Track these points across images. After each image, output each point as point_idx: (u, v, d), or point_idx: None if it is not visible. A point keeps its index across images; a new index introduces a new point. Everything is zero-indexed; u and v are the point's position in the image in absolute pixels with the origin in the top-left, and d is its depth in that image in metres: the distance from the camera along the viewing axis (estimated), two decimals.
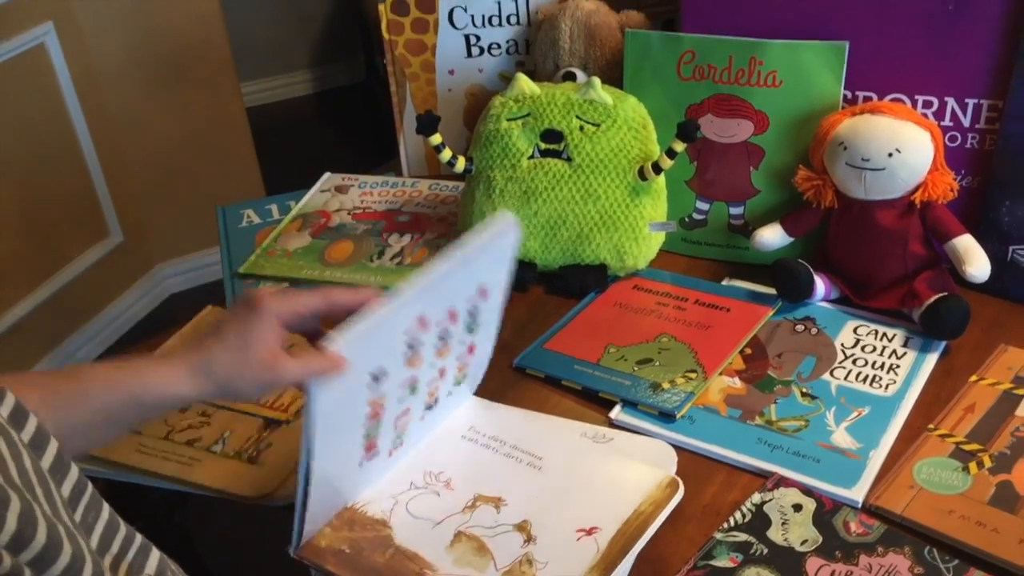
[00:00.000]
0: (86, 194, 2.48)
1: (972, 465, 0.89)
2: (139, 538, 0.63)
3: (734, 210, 1.21)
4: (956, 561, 0.80)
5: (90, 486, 0.61)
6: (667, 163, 1.14)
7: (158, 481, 0.98)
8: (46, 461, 0.58)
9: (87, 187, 2.48)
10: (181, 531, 1.23)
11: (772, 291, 1.13)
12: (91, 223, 2.52)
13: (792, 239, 1.15)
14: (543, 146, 1.17)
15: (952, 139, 1.11)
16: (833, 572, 0.80)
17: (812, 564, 0.81)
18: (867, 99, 1.13)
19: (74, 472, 0.60)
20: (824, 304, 1.12)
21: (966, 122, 1.10)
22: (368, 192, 1.41)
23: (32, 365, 2.39)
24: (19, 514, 0.51)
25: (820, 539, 0.83)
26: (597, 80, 1.16)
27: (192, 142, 2.65)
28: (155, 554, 0.64)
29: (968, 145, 1.11)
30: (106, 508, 0.61)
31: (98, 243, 2.55)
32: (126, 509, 1.15)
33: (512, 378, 1.07)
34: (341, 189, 1.43)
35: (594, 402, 1.02)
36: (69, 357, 2.46)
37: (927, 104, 1.11)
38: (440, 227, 1.32)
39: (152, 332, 1.17)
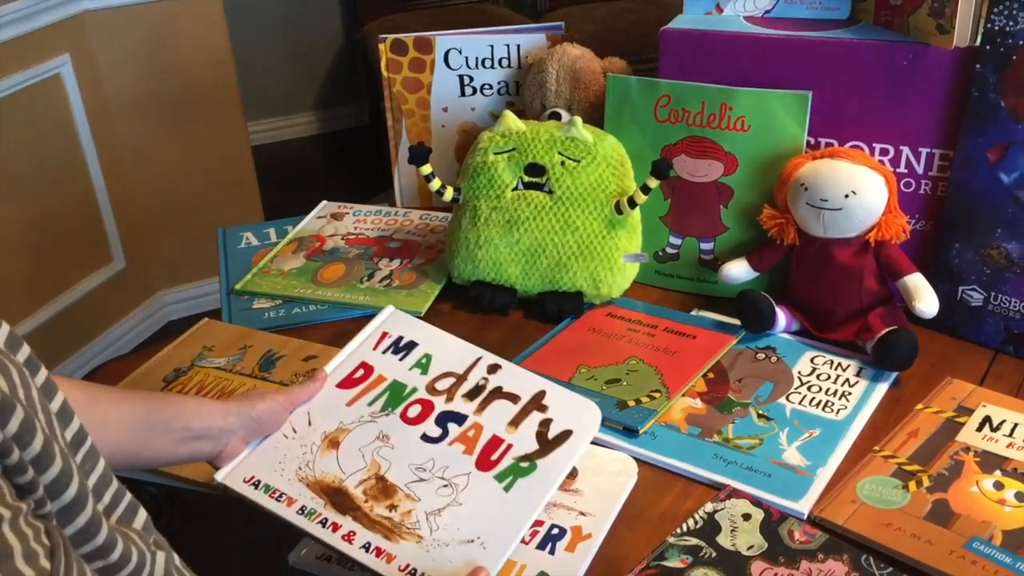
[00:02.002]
0: (92, 221, 2.56)
1: (912, 484, 0.95)
2: (129, 496, 0.68)
3: (704, 245, 1.29)
4: (890, 568, 0.86)
5: (89, 438, 0.66)
6: (641, 198, 1.21)
7: (148, 475, 1.03)
8: (54, 406, 0.63)
9: (94, 214, 2.55)
10: (169, 535, 1.28)
11: (737, 322, 1.19)
12: (96, 249, 2.59)
13: (757, 274, 1.22)
14: (526, 179, 1.25)
15: (907, 185, 1.19)
16: (775, 575, 0.86)
17: (756, 567, 0.87)
18: (828, 145, 1.21)
19: (76, 422, 0.65)
20: (785, 335, 1.19)
21: (920, 169, 1.18)
22: (362, 220, 1.49)
23: None
24: (21, 420, 0.56)
25: (766, 545, 0.89)
26: (579, 119, 1.24)
27: (198, 176, 2.73)
28: (142, 513, 0.69)
29: (921, 191, 1.19)
30: (102, 461, 0.66)
31: (101, 268, 2.61)
32: None
33: None
34: (336, 216, 1.50)
35: None
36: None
37: (884, 151, 1.19)
38: (428, 254, 1.39)
39: (150, 355, 1.22)
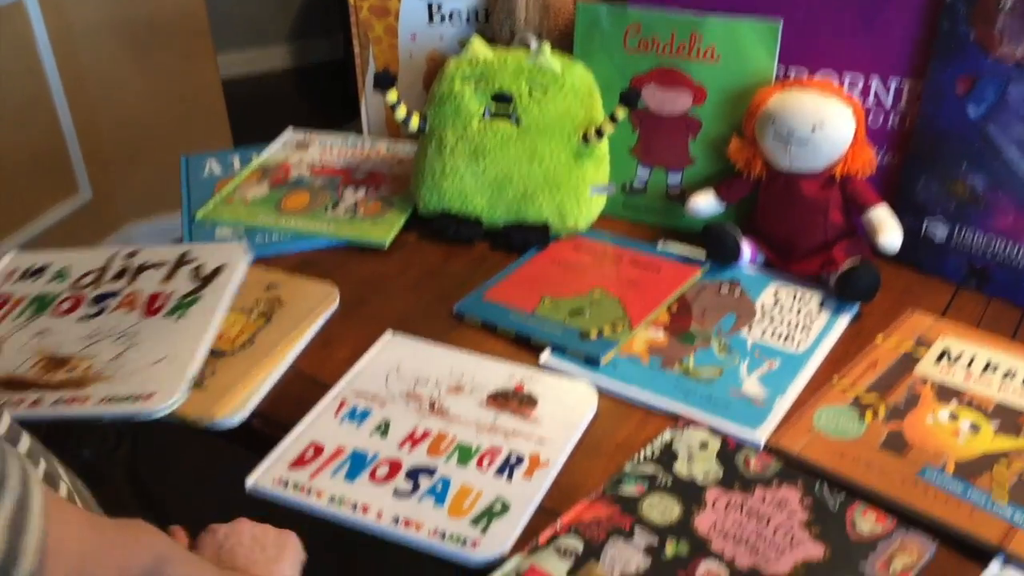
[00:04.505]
0: (57, 151, 2.51)
1: (868, 414, 0.95)
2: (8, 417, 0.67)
3: (672, 178, 1.28)
4: (843, 495, 0.87)
5: None
6: (610, 128, 1.20)
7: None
8: None
9: (58, 144, 2.51)
10: (128, 464, 1.28)
11: (703, 254, 1.19)
12: (61, 179, 2.55)
13: (724, 206, 1.21)
14: (493, 108, 1.23)
15: (875, 119, 1.18)
16: (729, 501, 0.87)
17: (711, 494, 0.88)
18: (799, 74, 1.19)
19: None
20: (750, 268, 1.19)
21: (888, 102, 1.17)
22: (328, 149, 1.47)
23: None
24: None
25: (721, 473, 0.90)
26: (547, 47, 1.22)
27: (166, 106, 2.68)
28: (26, 438, 0.68)
29: (890, 125, 1.18)
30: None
31: (67, 199, 2.58)
32: (74, 440, 1.20)
33: (451, 324, 1.12)
34: (302, 145, 1.48)
35: (526, 348, 1.08)
36: None
37: (853, 82, 1.17)
38: (395, 185, 1.37)
39: None
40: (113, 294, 0.93)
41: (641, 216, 1.31)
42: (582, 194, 1.23)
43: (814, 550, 0.82)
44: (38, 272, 0.99)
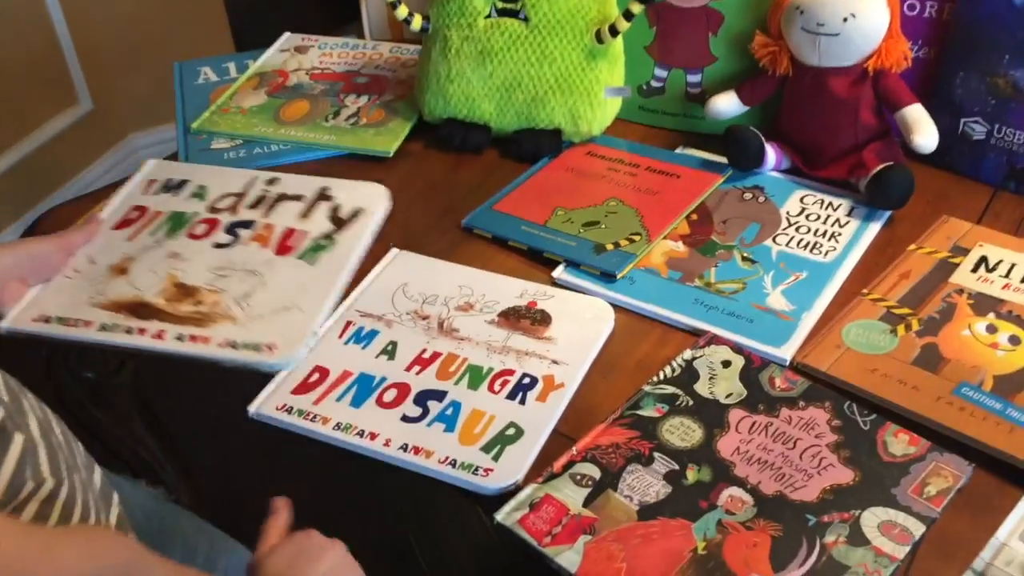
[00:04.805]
0: (54, 60, 2.43)
1: (900, 328, 0.90)
2: None
3: (691, 78, 1.20)
4: (874, 415, 0.82)
5: None
6: (624, 25, 1.12)
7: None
8: None
9: (55, 52, 2.42)
10: (132, 386, 1.25)
11: (724, 160, 1.12)
12: (60, 90, 2.47)
13: (747, 108, 1.14)
14: (500, 5, 1.15)
15: (911, 7, 1.09)
16: (754, 423, 0.83)
17: (734, 415, 0.84)
18: None
19: None
20: (774, 174, 1.12)
21: None
22: (328, 54, 1.39)
23: (2, 230, 2.39)
24: None
25: (745, 393, 0.86)
26: None
27: (164, 11, 2.58)
28: None
29: (926, 14, 1.09)
30: None
31: (67, 110, 2.50)
32: (75, 360, 1.17)
33: (460, 237, 1.07)
34: (301, 49, 1.41)
35: (539, 262, 1.02)
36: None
37: None
38: (399, 89, 1.30)
39: (98, 199, 1.16)
40: (248, 224, 0.91)
41: (658, 120, 1.24)
42: (596, 97, 1.16)
43: (843, 474, 0.78)
44: (178, 187, 0.97)
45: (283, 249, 0.86)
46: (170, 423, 1.32)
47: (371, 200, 0.91)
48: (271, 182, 0.94)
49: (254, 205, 0.93)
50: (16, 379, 0.71)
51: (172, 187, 0.97)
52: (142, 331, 0.81)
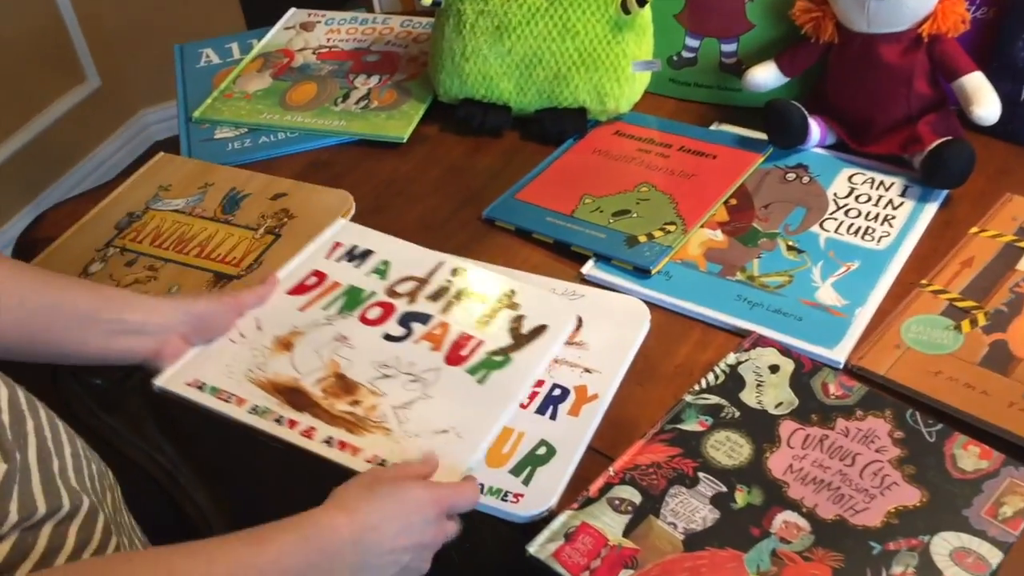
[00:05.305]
0: (58, 36, 2.36)
1: (965, 323, 0.83)
2: None
3: (726, 47, 1.11)
4: (940, 425, 0.75)
5: None
6: None
7: None
8: None
9: (60, 30, 2.35)
10: (143, 391, 1.20)
11: (763, 136, 1.04)
12: (66, 67, 2.41)
13: (787, 79, 1.06)
14: None
15: None
16: (807, 436, 0.76)
17: (786, 428, 0.76)
18: None
19: None
20: (819, 150, 1.04)
21: None
22: (335, 30, 1.31)
23: (14, 214, 2.34)
24: None
25: (796, 402, 0.78)
26: None
27: None
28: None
29: None
30: None
31: (75, 88, 2.44)
32: (84, 368, 1.11)
33: (481, 230, 1.00)
34: (307, 26, 1.33)
35: (566, 256, 0.95)
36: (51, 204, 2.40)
37: None
38: (411, 67, 1.22)
39: (99, 198, 1.10)
40: (424, 319, 0.84)
41: (691, 93, 1.15)
42: (623, 72, 1.07)
43: (909, 494, 0.71)
44: (362, 257, 0.91)
45: (454, 357, 0.79)
46: (185, 424, 1.27)
47: (558, 316, 0.83)
48: (456, 272, 0.87)
49: (434, 296, 0.86)
50: (30, 394, 0.68)
51: (356, 256, 0.90)
52: (293, 423, 0.75)
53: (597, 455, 0.76)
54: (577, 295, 0.89)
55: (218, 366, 0.80)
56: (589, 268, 0.93)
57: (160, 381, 0.80)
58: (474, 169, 1.09)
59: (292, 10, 1.36)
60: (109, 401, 1.18)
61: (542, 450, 0.76)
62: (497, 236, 0.99)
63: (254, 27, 1.62)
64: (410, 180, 1.08)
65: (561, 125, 1.09)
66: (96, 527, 0.66)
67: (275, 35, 1.31)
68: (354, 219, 1.01)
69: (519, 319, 0.83)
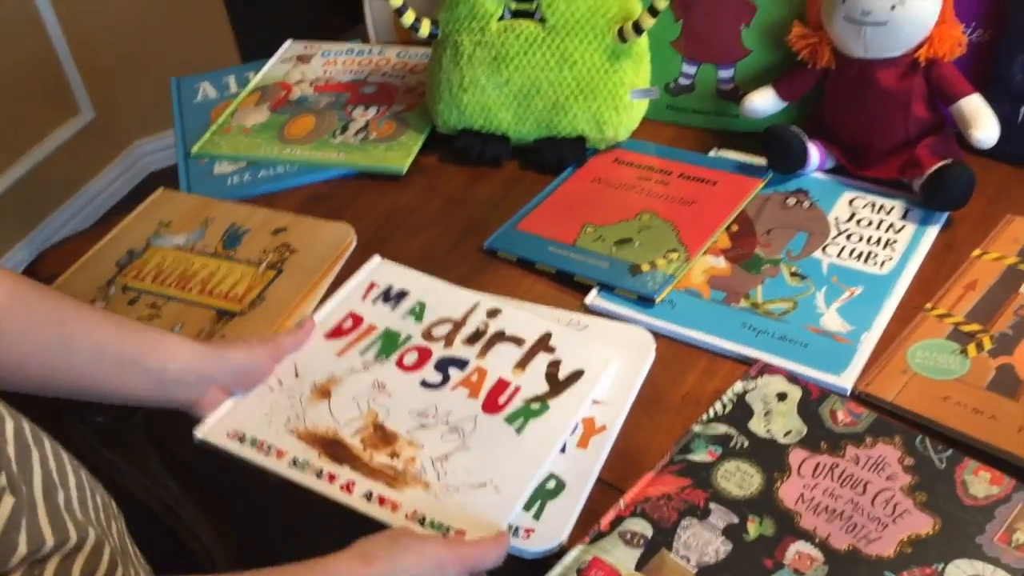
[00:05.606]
0: (51, 69, 2.37)
1: (971, 347, 0.82)
2: None
3: (723, 73, 1.12)
4: (950, 451, 0.75)
5: None
6: (649, 22, 1.03)
7: None
8: None
9: (52, 63, 2.36)
10: (146, 428, 1.19)
11: (763, 161, 1.04)
12: (60, 100, 2.41)
13: (785, 104, 1.06)
14: (514, 6, 1.07)
15: None
16: (818, 464, 0.75)
17: (795, 456, 0.76)
18: None
19: None
20: (818, 175, 1.04)
21: None
22: (332, 62, 1.32)
23: (10, 248, 2.33)
24: None
25: (805, 430, 0.78)
26: None
27: (160, 11, 2.51)
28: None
29: None
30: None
31: (69, 120, 2.44)
32: (86, 406, 1.11)
33: (482, 261, 1.00)
34: (303, 59, 1.33)
35: (569, 286, 0.95)
36: (47, 240, 2.40)
37: None
38: (409, 98, 1.23)
39: (98, 236, 1.10)
40: (461, 363, 0.84)
41: (688, 119, 1.16)
42: (621, 100, 1.08)
43: (922, 522, 0.70)
44: (397, 299, 0.91)
45: (492, 405, 0.79)
46: (188, 460, 1.26)
47: (595, 361, 0.82)
48: (492, 314, 0.87)
49: (471, 340, 0.85)
50: (34, 425, 0.68)
51: (391, 298, 0.91)
52: (332, 477, 0.75)
53: (607, 487, 0.76)
54: (582, 325, 0.89)
55: (257, 416, 0.80)
56: (593, 298, 0.93)
57: (201, 433, 0.80)
58: (474, 199, 1.09)
59: (288, 42, 1.36)
60: (112, 438, 1.17)
61: (551, 484, 0.76)
62: (499, 267, 0.99)
63: (249, 59, 1.63)
64: (411, 211, 1.08)
65: (560, 154, 1.10)
66: (102, 559, 0.65)
67: (272, 68, 1.31)
68: (356, 252, 1.01)
69: (556, 364, 0.83)
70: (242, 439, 0.79)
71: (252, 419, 0.80)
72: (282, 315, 0.93)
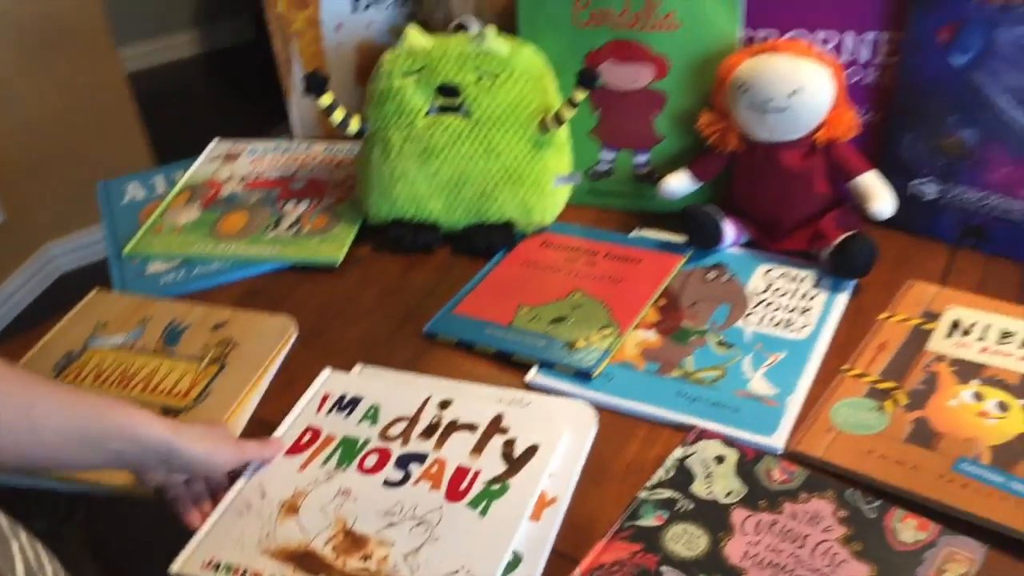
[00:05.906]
0: None
1: (888, 404, 0.89)
2: None
3: (639, 158, 1.19)
4: (879, 501, 0.80)
5: None
6: (569, 113, 1.10)
7: (48, 482, 0.92)
8: None
9: None
10: (87, 531, 1.16)
11: (683, 239, 1.11)
12: None
13: (700, 184, 1.13)
14: (440, 102, 1.12)
15: (853, 74, 1.10)
16: (759, 522, 0.80)
17: (738, 515, 0.80)
18: (768, 37, 1.11)
19: None
20: (735, 249, 1.11)
21: (865, 57, 1.09)
22: (259, 159, 1.35)
23: None
24: None
25: (745, 490, 0.82)
26: (492, 29, 1.11)
27: (72, 113, 2.51)
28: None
29: (869, 80, 1.10)
30: None
31: None
32: (24, 508, 1.09)
33: (423, 346, 1.03)
34: (231, 157, 1.36)
35: (509, 365, 0.99)
36: None
37: (827, 40, 1.09)
38: (339, 192, 1.26)
39: (43, 317, 1.10)
40: (420, 458, 0.85)
41: (609, 201, 1.22)
42: (545, 186, 1.14)
43: (858, 570, 0.75)
44: (350, 405, 0.92)
45: (454, 493, 0.81)
46: (129, 570, 1.24)
47: (548, 435, 0.86)
48: (444, 405, 0.90)
49: (426, 433, 0.88)
50: (8, 515, 0.68)
51: (345, 406, 0.92)
52: None
53: (562, 557, 0.79)
54: (525, 402, 0.92)
55: (230, 540, 0.81)
56: (533, 375, 0.96)
57: (176, 567, 0.80)
58: (410, 286, 1.12)
59: (215, 141, 1.39)
60: (51, 544, 1.15)
61: (509, 558, 0.78)
62: (440, 351, 1.02)
63: (162, 160, 1.65)
64: (348, 301, 1.11)
65: (490, 239, 1.14)
66: None
67: (200, 167, 1.33)
68: (296, 343, 1.03)
69: (511, 443, 0.86)
70: (217, 567, 0.79)
71: (225, 544, 0.81)
72: (228, 408, 0.94)
